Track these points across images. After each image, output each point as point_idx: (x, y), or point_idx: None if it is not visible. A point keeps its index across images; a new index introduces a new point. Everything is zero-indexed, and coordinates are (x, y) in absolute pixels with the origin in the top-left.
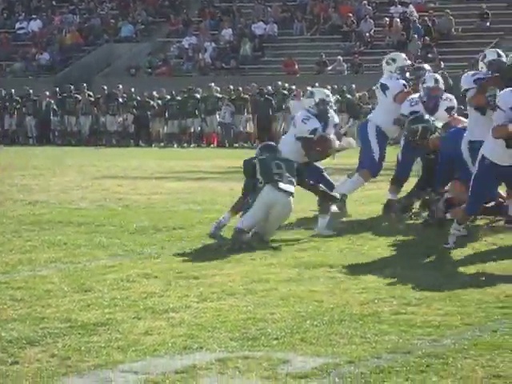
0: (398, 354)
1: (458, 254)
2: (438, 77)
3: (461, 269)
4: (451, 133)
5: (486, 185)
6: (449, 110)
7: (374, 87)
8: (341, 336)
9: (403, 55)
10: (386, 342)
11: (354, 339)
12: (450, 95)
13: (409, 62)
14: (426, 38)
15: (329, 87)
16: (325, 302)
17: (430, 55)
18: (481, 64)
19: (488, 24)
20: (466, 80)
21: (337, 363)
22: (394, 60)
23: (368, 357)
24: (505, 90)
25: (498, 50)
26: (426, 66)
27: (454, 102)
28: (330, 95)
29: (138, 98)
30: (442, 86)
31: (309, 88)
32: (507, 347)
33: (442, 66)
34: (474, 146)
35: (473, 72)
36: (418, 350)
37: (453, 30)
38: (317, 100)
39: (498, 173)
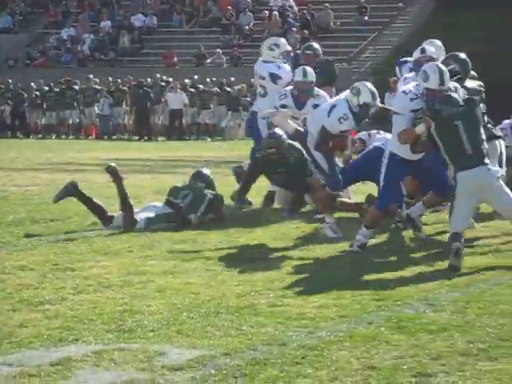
0: (273, 345)
1: (335, 246)
2: (308, 70)
3: (337, 261)
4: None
5: (398, 178)
6: (314, 106)
7: (260, 78)
8: (217, 328)
9: (283, 39)
10: (262, 333)
11: (230, 331)
12: (321, 91)
13: (289, 48)
14: (305, 31)
15: (208, 80)
16: (201, 294)
17: None
18: None
19: (366, 18)
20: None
21: (213, 355)
22: (277, 45)
23: (244, 349)
24: (398, 93)
25: (426, 46)
26: (315, 45)
27: (323, 99)
28: (377, 96)
29: (15, 89)
30: (311, 78)
31: (357, 84)
32: (382, 339)
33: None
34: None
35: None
36: (294, 342)
37: (331, 23)
38: (361, 102)
39: (407, 167)
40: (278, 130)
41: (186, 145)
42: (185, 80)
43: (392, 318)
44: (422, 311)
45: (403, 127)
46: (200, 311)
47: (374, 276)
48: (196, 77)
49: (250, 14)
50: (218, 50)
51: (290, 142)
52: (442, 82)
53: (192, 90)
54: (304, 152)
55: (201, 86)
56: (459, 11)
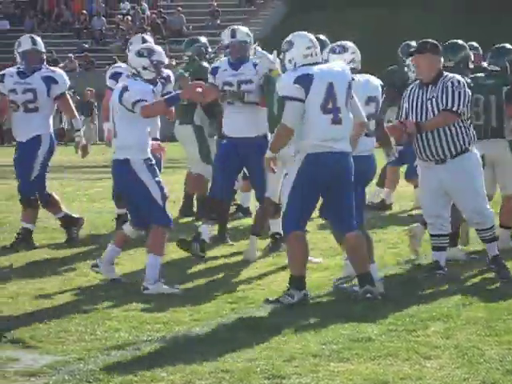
0: (127, 350)
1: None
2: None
3: (194, 267)
4: None
5: None
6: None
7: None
8: (70, 333)
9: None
10: (115, 338)
11: (83, 336)
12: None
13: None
14: (157, 36)
15: None
16: (55, 299)
17: None
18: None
19: (219, 22)
20: None
21: (66, 360)
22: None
23: (97, 353)
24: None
25: None
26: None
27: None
28: None
29: None
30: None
31: None
32: (235, 341)
33: (174, 63)
34: None
35: None
36: (148, 346)
37: (184, 27)
38: None
39: None
40: None
41: None
42: None
43: (245, 320)
44: (275, 314)
45: None
46: (53, 316)
47: (229, 279)
48: None
49: (103, 18)
50: (70, 54)
51: None
52: None
53: None
54: None
55: None
56: (312, 14)
